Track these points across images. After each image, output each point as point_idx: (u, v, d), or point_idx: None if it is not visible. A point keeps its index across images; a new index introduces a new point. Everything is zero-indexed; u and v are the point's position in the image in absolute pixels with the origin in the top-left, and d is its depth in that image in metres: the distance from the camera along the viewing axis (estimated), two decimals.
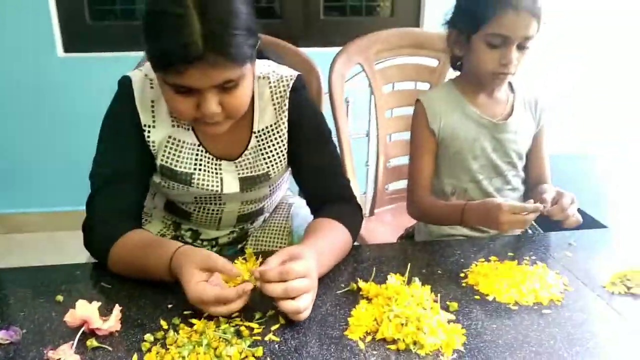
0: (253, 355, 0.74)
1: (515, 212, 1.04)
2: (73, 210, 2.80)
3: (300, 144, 1.09)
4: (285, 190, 1.37)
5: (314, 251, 0.88)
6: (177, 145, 1.04)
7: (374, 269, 0.94)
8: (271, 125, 1.07)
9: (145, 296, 0.90)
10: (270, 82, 1.06)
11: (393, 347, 0.77)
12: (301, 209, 1.32)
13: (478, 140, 1.20)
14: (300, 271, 0.80)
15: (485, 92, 1.21)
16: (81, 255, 1.10)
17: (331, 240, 0.99)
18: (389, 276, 0.91)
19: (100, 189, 1.03)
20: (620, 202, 1.69)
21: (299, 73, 1.09)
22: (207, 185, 1.07)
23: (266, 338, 0.79)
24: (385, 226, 1.63)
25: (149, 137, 1.03)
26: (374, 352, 0.76)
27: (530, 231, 1.29)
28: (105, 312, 0.81)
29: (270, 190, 1.18)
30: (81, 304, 0.79)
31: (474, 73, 1.19)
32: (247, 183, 1.09)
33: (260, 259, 0.99)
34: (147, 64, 1.03)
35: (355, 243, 1.07)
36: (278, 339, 0.78)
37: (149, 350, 0.76)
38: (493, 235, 1.21)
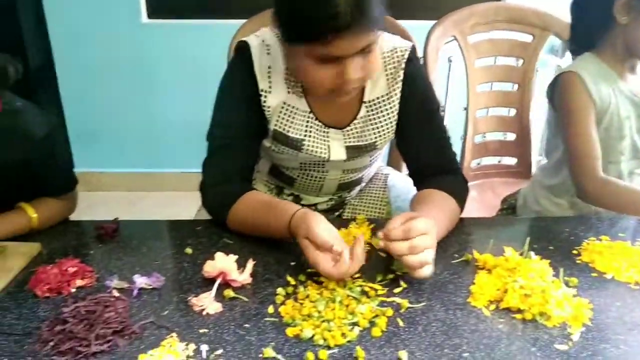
0: (384, 315, 0.77)
1: None
2: (147, 172, 2.93)
3: (410, 115, 1.09)
4: (381, 160, 1.39)
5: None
6: (290, 112, 1.07)
7: (491, 241, 0.95)
8: (383, 96, 1.08)
9: (269, 253, 0.94)
10: (383, 52, 1.07)
11: (519, 316, 0.78)
12: (397, 181, 1.34)
13: (629, 118, 1.16)
14: (421, 228, 0.83)
15: (628, 68, 1.18)
16: (155, 215, 1.15)
17: (442, 209, 1.00)
18: (505, 248, 0.92)
19: (217, 150, 1.07)
20: None
21: (412, 44, 1.09)
22: (316, 151, 1.09)
23: (391, 300, 0.81)
24: (471, 202, 1.62)
25: (265, 102, 1.06)
26: (501, 320, 0.78)
27: None
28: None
29: (370, 161, 1.20)
30: (220, 256, 0.84)
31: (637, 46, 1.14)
32: (353, 152, 1.11)
33: (372, 225, 1.02)
34: (263, 30, 1.06)
35: None
36: (405, 301, 0.81)
37: (283, 303, 0.80)
38: (602, 216, 1.19)
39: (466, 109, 1.67)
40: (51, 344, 0.71)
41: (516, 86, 1.70)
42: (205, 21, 2.53)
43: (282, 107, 1.07)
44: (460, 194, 1.07)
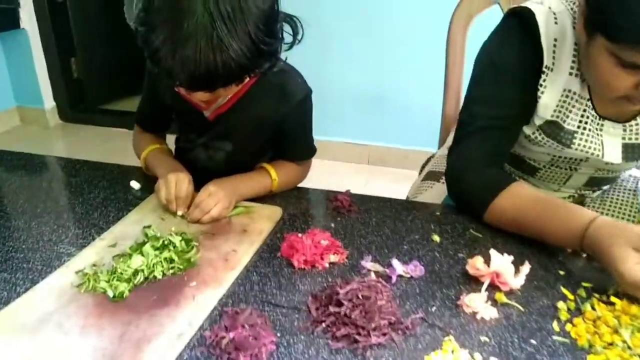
0: None
1: None
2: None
3: None
4: None
5: None
6: (569, 97, 0.91)
7: None
8: None
9: (532, 255, 0.82)
10: None
11: None
12: None
13: None
14: None
15: None
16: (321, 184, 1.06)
17: None
18: None
19: (477, 131, 0.94)
20: None
21: None
22: (589, 148, 0.93)
23: None
24: None
25: (544, 80, 0.90)
26: None
27: None
28: None
29: None
30: (495, 254, 0.74)
31: None
32: (631, 151, 0.94)
33: None
34: None
35: None
36: None
37: (569, 321, 0.69)
38: None
39: None
40: (323, 325, 0.67)
41: None
42: None
43: (563, 91, 0.91)
44: None
